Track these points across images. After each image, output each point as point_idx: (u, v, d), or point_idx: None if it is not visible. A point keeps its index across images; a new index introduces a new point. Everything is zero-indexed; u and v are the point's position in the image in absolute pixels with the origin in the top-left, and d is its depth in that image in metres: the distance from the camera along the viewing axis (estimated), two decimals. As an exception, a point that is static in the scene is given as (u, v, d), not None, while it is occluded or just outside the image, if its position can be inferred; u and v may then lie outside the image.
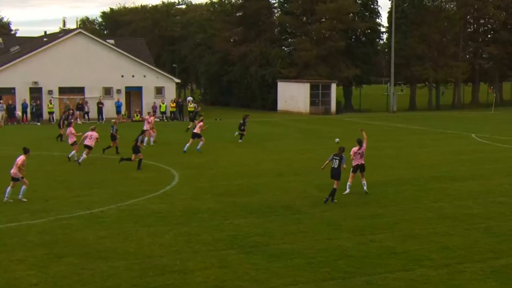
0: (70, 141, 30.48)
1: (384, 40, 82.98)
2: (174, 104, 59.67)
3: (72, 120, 35.95)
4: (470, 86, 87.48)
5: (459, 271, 13.85)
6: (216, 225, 17.74)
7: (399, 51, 71.79)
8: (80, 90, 57.84)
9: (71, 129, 30.71)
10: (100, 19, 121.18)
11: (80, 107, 55.54)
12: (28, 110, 54.84)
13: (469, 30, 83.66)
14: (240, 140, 37.73)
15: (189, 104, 60.28)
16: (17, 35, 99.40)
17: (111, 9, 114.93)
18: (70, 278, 13.44)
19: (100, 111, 55.61)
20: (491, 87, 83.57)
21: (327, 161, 21.17)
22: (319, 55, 70.15)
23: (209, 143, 34.60)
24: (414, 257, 14.76)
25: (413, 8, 74.41)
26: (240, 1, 79.41)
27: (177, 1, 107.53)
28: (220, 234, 16.79)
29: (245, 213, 19.18)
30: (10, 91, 55.61)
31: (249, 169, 27.79)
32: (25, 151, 21.34)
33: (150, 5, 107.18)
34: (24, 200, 20.76)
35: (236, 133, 38.49)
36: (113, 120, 35.46)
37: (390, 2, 73.62)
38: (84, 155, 29.03)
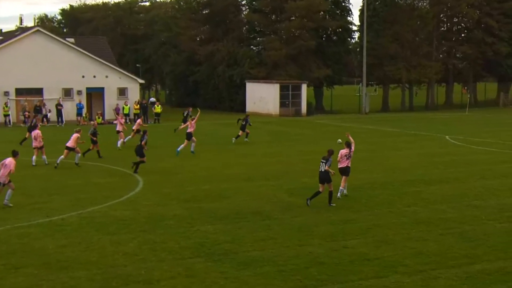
0: (39, 144, 30.13)
1: (356, 39, 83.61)
2: (138, 106, 59.34)
3: (38, 124, 35.86)
4: (444, 86, 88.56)
5: (434, 277, 14.01)
6: (183, 232, 17.68)
7: (371, 50, 72.37)
8: (39, 91, 57.18)
9: (39, 132, 30.44)
10: (59, 17, 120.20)
11: (38, 109, 54.87)
12: (-17, 112, 54.09)
13: (442, 29, 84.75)
14: (246, 139, 39.51)
15: (156, 106, 60.01)
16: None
17: (71, 6, 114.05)
18: (29, 289, 13.28)
19: (59, 113, 55.00)
20: (465, 88, 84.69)
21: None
22: (289, 55, 70.38)
23: (174, 146, 34.48)
24: (388, 264, 14.89)
25: (385, 6, 75.08)
26: (207, -2, 79.45)
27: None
28: (187, 241, 16.74)
29: (212, 219, 19.15)
30: (-36, 93, 54.85)
31: (217, 174, 27.76)
32: (14, 154, 21.16)
33: (112, 2, 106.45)
34: (11, 205, 20.72)
35: (245, 134, 39.66)
36: (92, 122, 35.53)
37: (362, 0, 74.21)
38: (62, 157, 29.31)
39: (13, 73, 55.43)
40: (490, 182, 25.52)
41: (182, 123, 45.53)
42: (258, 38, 78.18)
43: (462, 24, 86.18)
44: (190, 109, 48.47)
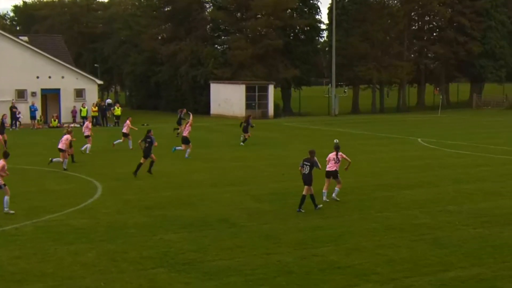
0: None
1: (325, 38, 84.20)
2: (96, 108, 58.89)
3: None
4: (416, 87, 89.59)
5: (407, 285, 14.10)
6: (145, 241, 17.56)
7: (341, 50, 72.88)
8: (-10, 93, 56.48)
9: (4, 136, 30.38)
10: (12, 14, 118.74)
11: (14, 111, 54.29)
12: None
13: (413, 28, 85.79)
14: (242, 143, 40.29)
15: (115, 108, 59.62)
16: None
17: (25, 3, 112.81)
18: (-20, 304, 13.08)
19: (13, 116, 54.32)
20: (437, 89, 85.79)
21: (299, 168, 21.45)
22: (255, 54, 70.50)
23: (135, 151, 34.28)
24: (360, 272, 14.96)
25: (355, 4, 75.74)
26: (169, -5, 79.24)
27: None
28: (149, 251, 16.63)
29: (176, 227, 19.06)
30: None
31: (180, 179, 27.66)
32: (5, 155, 21.12)
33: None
34: (12, 212, 20.69)
35: (242, 137, 40.61)
36: (65, 125, 35.21)
37: (331, -3, 74.71)
38: (60, 159, 29.87)
39: (-38, 73, 54.69)
40: (464, 186, 25.84)
41: (178, 126, 46.14)
42: (222, 37, 78.23)
43: (434, 23, 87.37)
44: (184, 110, 49.10)
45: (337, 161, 22.61)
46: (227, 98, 67.46)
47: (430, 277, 14.62)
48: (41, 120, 57.12)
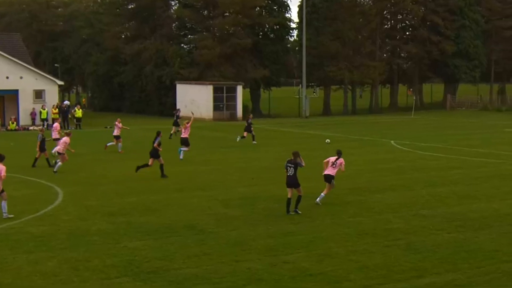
0: None
1: (295, 37, 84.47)
2: (57, 110, 58.38)
3: None
4: (388, 88, 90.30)
5: (380, 292, 14.22)
6: (108, 249, 17.46)
7: (311, 49, 73.15)
8: None
9: None
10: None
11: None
12: None
13: (386, 26, 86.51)
14: (237, 141, 41.99)
15: (76, 109, 59.20)
16: None
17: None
18: None
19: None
20: (411, 89, 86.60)
21: (285, 170, 21.64)
22: (222, 54, 70.51)
23: (98, 154, 34.06)
24: (332, 279, 15.03)
25: (326, 2, 76.08)
26: (132, -9, 78.96)
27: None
28: (113, 259, 16.53)
29: (141, 234, 18.97)
30: None
31: (145, 184, 27.53)
32: (1, 159, 21.00)
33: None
34: (11, 216, 20.83)
35: (238, 138, 42.19)
36: (39, 128, 35.05)
37: (301, -5, 75.01)
38: (59, 163, 30.49)
39: None
40: (438, 189, 26.08)
41: (173, 127, 47.15)
42: (189, 36, 78.13)
43: (407, 22, 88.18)
44: (179, 110, 50.08)
45: (335, 166, 23.02)
46: (194, 99, 67.32)
47: (404, 283, 14.73)
48: (-2, 123, 56.50)
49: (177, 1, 79.69)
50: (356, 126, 57.87)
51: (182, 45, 77.20)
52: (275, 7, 77.44)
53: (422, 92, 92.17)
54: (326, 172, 23.09)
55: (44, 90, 60.20)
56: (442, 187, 26.57)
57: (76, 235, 18.88)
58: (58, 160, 30.89)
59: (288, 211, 21.42)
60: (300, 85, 74.11)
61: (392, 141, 44.13)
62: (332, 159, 23.19)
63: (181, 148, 35.42)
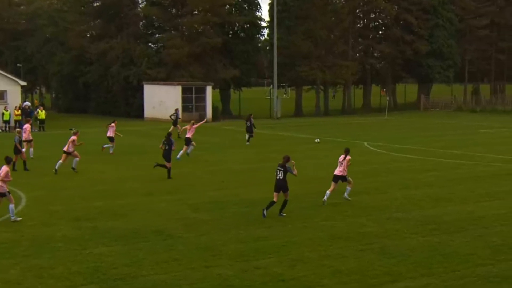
0: None
1: (266, 36, 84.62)
2: (19, 111, 57.79)
3: None
4: (361, 88, 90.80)
5: (354, 298, 14.30)
6: (74, 255, 17.34)
7: (283, 49, 73.30)
8: None
9: None
10: None
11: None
12: None
13: (358, 25, 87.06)
14: (248, 142, 43.82)
15: (39, 111, 58.68)
16: None
17: None
18: None
19: None
20: (384, 90, 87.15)
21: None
22: (191, 53, 70.38)
23: (59, 157, 33.76)
24: (304, 284, 15.07)
25: (297, 0, 76.27)
26: (98, -11, 78.55)
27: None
28: (79, 266, 16.43)
29: (108, 240, 18.88)
30: None
31: (112, 188, 27.39)
32: (8, 161, 21.54)
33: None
34: (19, 219, 21.07)
35: (248, 136, 44.06)
36: (17, 130, 34.77)
37: (272, -7, 75.12)
38: (76, 158, 31.29)
39: None
40: (413, 192, 26.29)
41: (172, 126, 47.80)
42: (157, 35, 77.89)
43: (380, 21, 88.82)
44: (178, 109, 51.06)
45: (341, 165, 23.94)
46: (162, 100, 67.10)
47: (378, 288, 14.85)
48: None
49: (144, -1, 79.52)
50: (329, 127, 58.10)
51: (150, 44, 76.95)
52: (245, 6, 77.50)
53: (395, 93, 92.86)
54: (337, 173, 24.01)
55: (6, 90, 59.63)
56: (416, 190, 26.78)
57: (40, 242, 18.72)
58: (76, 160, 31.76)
59: (264, 214, 21.48)
60: (271, 86, 74.24)
61: (365, 143, 44.37)
62: (341, 158, 24.14)
63: (187, 151, 36.44)
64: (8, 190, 21.16)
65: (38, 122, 57.51)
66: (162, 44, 74.43)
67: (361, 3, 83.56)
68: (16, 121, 57.11)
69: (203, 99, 66.86)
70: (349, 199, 24.12)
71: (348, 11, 79.02)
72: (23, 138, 35.82)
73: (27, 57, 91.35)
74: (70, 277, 15.63)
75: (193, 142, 36.65)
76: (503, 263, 16.65)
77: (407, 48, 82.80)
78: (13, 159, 31.85)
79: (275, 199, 21.58)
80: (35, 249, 18.00)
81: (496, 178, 29.89)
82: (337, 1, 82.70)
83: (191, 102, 66.76)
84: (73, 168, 31.30)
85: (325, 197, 23.57)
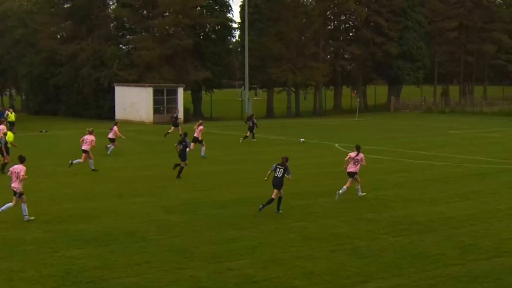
0: None
1: (237, 38, 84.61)
2: (-11, 113, 57.24)
3: None
4: (332, 90, 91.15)
5: (326, 298, 14.35)
6: (45, 258, 17.21)
7: (254, 50, 73.39)
8: None
9: None
10: None
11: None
12: None
13: (329, 27, 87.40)
14: (253, 139, 45.58)
15: (8, 113, 58.08)
16: None
17: None
18: None
19: None
20: (355, 91, 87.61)
21: (269, 171, 22.68)
22: (163, 55, 70.14)
23: (31, 159, 33.45)
24: (277, 285, 15.11)
25: (268, 2, 76.41)
26: (68, -10, 78.01)
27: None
28: (50, 269, 16.31)
29: (79, 242, 18.76)
30: None
31: (83, 191, 27.23)
32: (22, 160, 21.89)
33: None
34: (32, 218, 21.41)
35: (252, 137, 45.59)
36: (3, 132, 34.41)
37: (243, -5, 75.16)
38: (81, 160, 32.18)
39: None
40: (383, 193, 26.47)
41: (173, 127, 48.78)
42: (128, 36, 77.47)
43: (350, 23, 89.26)
44: (177, 111, 52.46)
45: (356, 162, 24.60)
46: (133, 102, 66.82)
47: (350, 289, 14.93)
48: None
49: (115, 1, 79.03)
50: (300, 129, 58.25)
51: (121, 46, 76.49)
52: (216, 7, 77.40)
53: (366, 94, 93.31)
54: (349, 170, 24.79)
55: (-25, 92, 58.97)
56: (387, 191, 26.97)
57: (10, 245, 18.55)
58: (78, 160, 32.42)
59: (260, 209, 22.23)
60: (243, 87, 74.26)
61: (336, 144, 44.55)
62: (352, 155, 24.90)
63: (202, 154, 37.35)
64: (22, 191, 21.53)
65: (8, 124, 56.92)
66: (133, 46, 74.03)
67: (332, 5, 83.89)
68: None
69: (175, 101, 66.65)
70: (363, 194, 25.36)
71: (319, 13, 79.26)
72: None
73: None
74: (41, 280, 15.51)
75: (203, 142, 37.87)
76: (472, 263, 16.84)
77: (377, 50, 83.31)
78: (6, 161, 31.84)
79: (273, 196, 22.19)
80: (5, 252, 17.83)
81: (466, 178, 30.21)
82: (308, 4, 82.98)
83: (163, 104, 66.53)
84: (93, 169, 32.09)
85: (340, 191, 24.57)
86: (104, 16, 78.00)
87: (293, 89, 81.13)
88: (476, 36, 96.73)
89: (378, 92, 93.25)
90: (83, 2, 75.54)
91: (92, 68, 72.29)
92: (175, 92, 66.57)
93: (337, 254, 17.63)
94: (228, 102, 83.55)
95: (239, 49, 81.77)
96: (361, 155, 24.96)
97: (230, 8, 79.30)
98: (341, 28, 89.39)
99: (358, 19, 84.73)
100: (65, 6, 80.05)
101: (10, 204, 21.57)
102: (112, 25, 79.26)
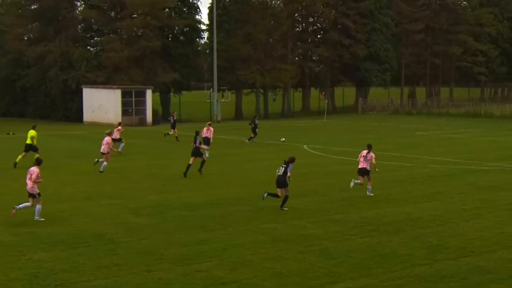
0: None
1: (205, 39, 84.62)
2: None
3: None
4: (300, 91, 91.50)
5: (295, 299, 14.36)
6: (12, 262, 17.01)
7: (222, 52, 73.42)
8: None
9: None
10: None
11: None
12: None
13: (297, 29, 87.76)
14: (247, 141, 46.75)
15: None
16: None
17: None
18: None
19: None
20: (323, 93, 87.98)
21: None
22: (131, 57, 69.87)
23: (1, 162, 33.18)
24: (246, 287, 15.09)
25: (236, 4, 76.53)
26: (35, -9, 77.32)
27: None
28: (17, 272, 16.13)
29: (47, 245, 18.58)
30: None
31: (51, 193, 26.92)
32: (38, 162, 22.16)
33: None
34: (42, 219, 21.47)
35: (253, 139, 46.37)
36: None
37: (211, -3, 75.14)
38: (104, 162, 32.59)
39: None
40: (351, 194, 26.55)
41: (172, 130, 49.14)
42: (95, 38, 77.11)
43: (318, 25, 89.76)
44: (175, 113, 53.33)
45: (366, 159, 25.46)
46: (101, 104, 66.45)
47: (319, 289, 14.96)
48: None
49: (82, 2, 78.56)
50: (269, 130, 58.29)
51: (89, 47, 76.06)
52: (184, 9, 77.32)
53: (334, 96, 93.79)
54: (360, 166, 25.72)
55: None
56: (355, 192, 27.04)
57: (-23, 248, 18.34)
58: (102, 160, 32.86)
59: (264, 197, 23.40)
60: (211, 89, 74.19)
61: (305, 146, 44.68)
62: (364, 153, 25.89)
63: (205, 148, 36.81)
64: (38, 191, 21.66)
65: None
66: (101, 48, 73.66)
67: (300, 7, 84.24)
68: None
69: (143, 102, 66.45)
70: (371, 194, 25.95)
71: (287, 15, 79.53)
72: None
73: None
74: (9, 284, 15.33)
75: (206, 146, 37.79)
76: (440, 262, 16.98)
77: (345, 52, 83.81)
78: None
79: (279, 194, 23.03)
80: (-29, 256, 17.62)
81: (432, 179, 30.47)
82: (276, 6, 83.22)
83: (131, 106, 66.26)
84: (101, 171, 32.28)
85: (352, 183, 25.95)
86: (71, 17, 77.47)
87: (261, 90, 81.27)
88: (442, 38, 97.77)
89: (346, 93, 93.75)
90: (50, 3, 74.96)
91: (59, 69, 71.76)
92: (143, 94, 66.35)
93: (306, 255, 17.67)
94: (196, 104, 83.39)
95: (207, 51, 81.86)
96: (371, 154, 25.79)
97: (198, 9, 79.39)
98: (309, 30, 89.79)
99: (326, 21, 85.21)
100: (32, 7, 79.41)
101: (27, 203, 21.87)
102: (79, 26, 78.82)
